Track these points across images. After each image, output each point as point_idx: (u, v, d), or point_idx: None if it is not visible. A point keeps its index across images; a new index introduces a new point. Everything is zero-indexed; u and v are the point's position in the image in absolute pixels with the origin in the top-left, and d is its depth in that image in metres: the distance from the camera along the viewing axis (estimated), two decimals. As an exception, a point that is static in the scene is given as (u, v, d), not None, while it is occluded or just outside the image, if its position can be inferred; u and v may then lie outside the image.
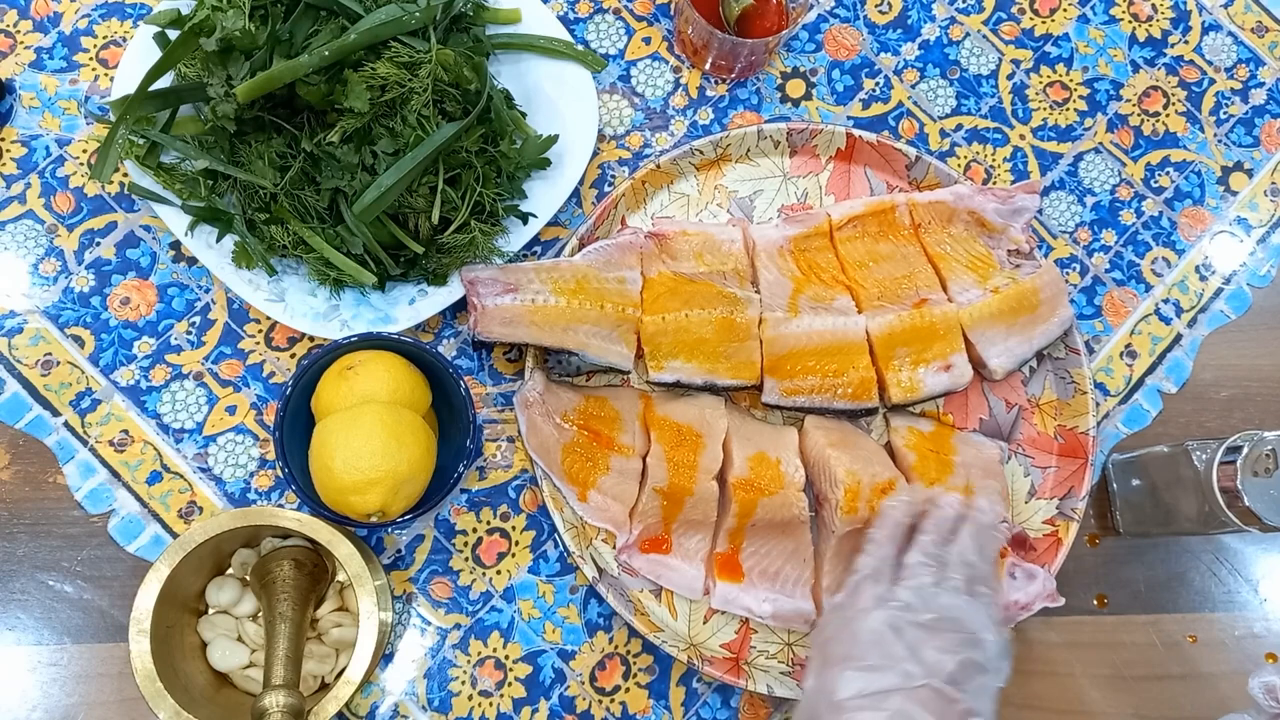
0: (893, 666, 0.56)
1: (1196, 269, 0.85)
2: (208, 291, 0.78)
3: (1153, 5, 0.90)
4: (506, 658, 0.74)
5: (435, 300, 0.74)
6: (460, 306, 0.76)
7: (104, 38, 0.81)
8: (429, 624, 0.74)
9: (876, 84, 0.86)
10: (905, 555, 0.63)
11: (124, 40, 0.81)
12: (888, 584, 0.61)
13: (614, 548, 0.75)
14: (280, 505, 0.75)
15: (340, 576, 0.72)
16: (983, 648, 0.58)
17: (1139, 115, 0.87)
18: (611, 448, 0.74)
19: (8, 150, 0.79)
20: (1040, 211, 0.84)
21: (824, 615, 0.69)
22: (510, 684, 0.74)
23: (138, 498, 0.74)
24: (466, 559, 0.75)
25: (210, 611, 0.71)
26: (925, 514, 0.66)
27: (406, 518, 0.66)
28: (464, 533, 0.76)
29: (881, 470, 0.72)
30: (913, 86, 0.86)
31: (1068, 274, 0.84)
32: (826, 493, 0.72)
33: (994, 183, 0.85)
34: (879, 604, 0.59)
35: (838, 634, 0.60)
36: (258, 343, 0.77)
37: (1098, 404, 0.79)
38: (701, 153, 0.80)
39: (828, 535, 0.73)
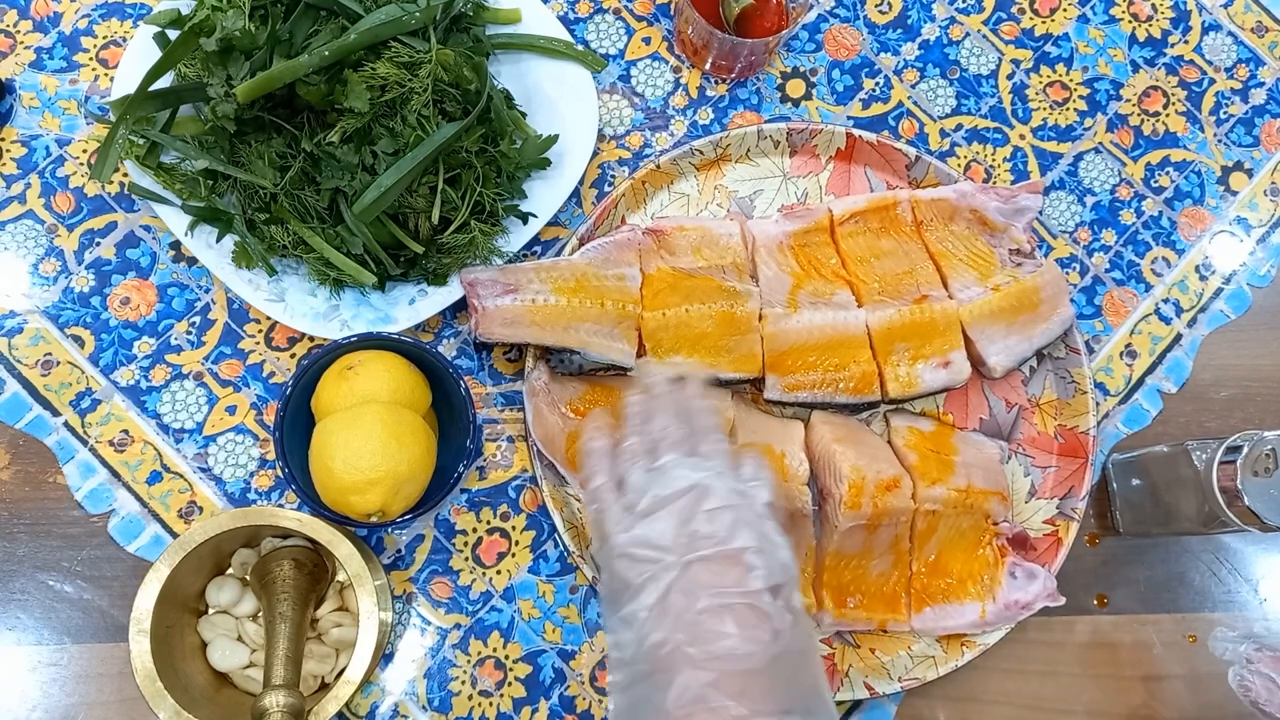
0: (653, 572, 0.54)
1: (1196, 269, 0.85)
2: (208, 291, 0.78)
3: (1153, 5, 0.90)
4: (506, 657, 0.74)
5: (435, 300, 0.74)
6: (460, 306, 0.76)
7: (104, 38, 0.81)
8: (429, 624, 0.74)
9: (876, 84, 0.86)
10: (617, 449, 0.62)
11: (124, 40, 0.81)
12: (614, 494, 0.59)
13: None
14: (280, 505, 0.75)
15: (340, 576, 0.72)
16: (710, 491, 0.56)
17: (1139, 115, 0.88)
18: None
19: (8, 150, 0.79)
20: (1040, 211, 0.84)
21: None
22: (510, 684, 0.74)
23: (138, 498, 0.74)
24: (466, 559, 0.75)
25: (210, 611, 0.71)
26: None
27: (406, 518, 0.66)
28: (464, 533, 0.76)
29: (886, 467, 0.72)
30: (913, 86, 0.86)
31: (1068, 273, 0.84)
32: (830, 487, 0.72)
33: (994, 183, 0.85)
34: (616, 529, 0.57)
35: (602, 564, 0.58)
36: (258, 343, 0.77)
37: (1098, 404, 0.79)
38: (701, 153, 0.80)
39: (830, 530, 0.73)
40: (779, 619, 0.53)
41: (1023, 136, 0.86)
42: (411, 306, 0.74)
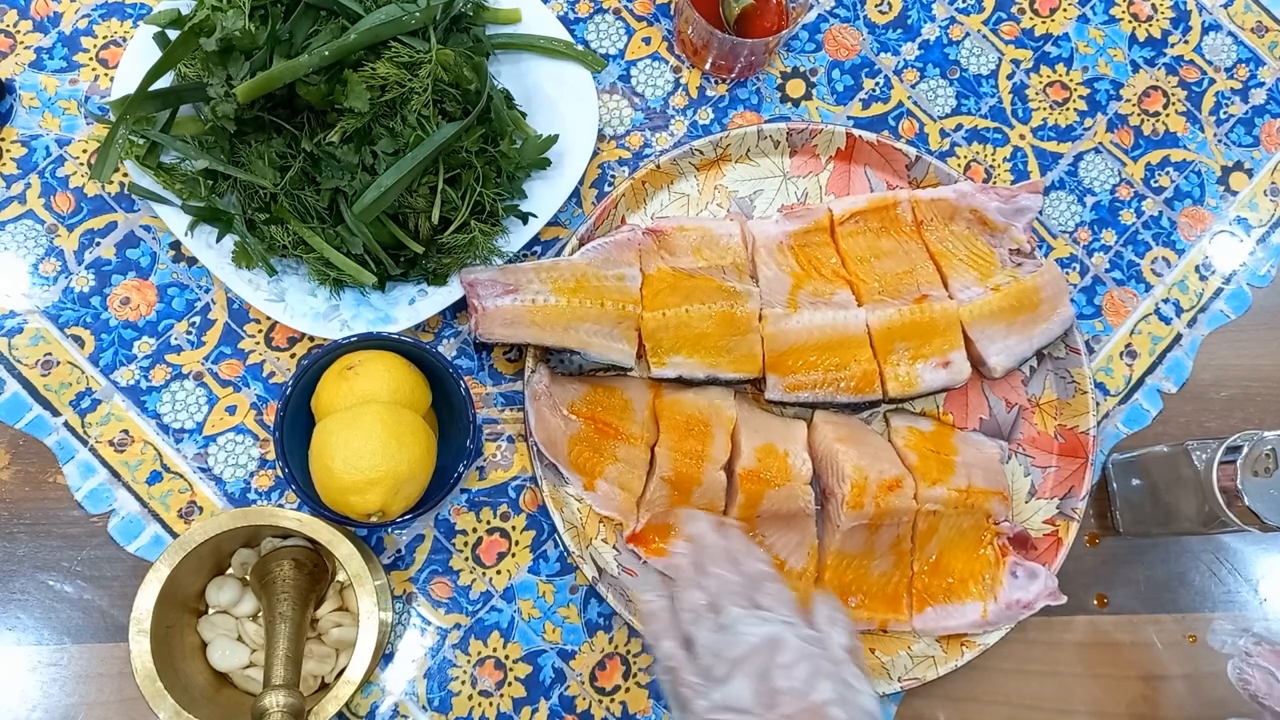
0: None
1: (1196, 269, 0.85)
2: (208, 291, 0.78)
3: (1153, 5, 0.90)
4: (506, 657, 0.74)
5: (435, 300, 0.74)
6: (460, 306, 0.76)
7: (104, 38, 0.81)
8: (429, 624, 0.74)
9: (876, 84, 0.86)
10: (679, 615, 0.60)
11: (124, 40, 0.81)
12: (684, 649, 0.58)
13: (614, 546, 0.75)
14: (280, 505, 0.75)
15: (340, 576, 0.72)
16: (784, 647, 0.55)
17: (1139, 115, 0.88)
18: (619, 437, 0.74)
19: (8, 150, 0.79)
20: (1040, 211, 0.84)
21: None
22: (510, 684, 0.74)
23: (138, 498, 0.74)
24: (466, 559, 0.75)
25: (210, 611, 0.71)
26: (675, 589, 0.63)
27: (406, 518, 0.66)
28: (464, 533, 0.76)
29: (889, 467, 0.72)
30: (913, 86, 0.86)
31: (1068, 273, 0.84)
32: (833, 487, 0.72)
33: (994, 183, 0.85)
34: (685, 689, 0.56)
35: None
36: (258, 343, 0.77)
37: (1098, 404, 0.79)
38: (701, 153, 0.80)
39: (832, 530, 0.73)
40: None
41: (1023, 136, 0.86)
42: (411, 306, 0.74)
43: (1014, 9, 0.89)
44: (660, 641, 0.59)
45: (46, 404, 0.75)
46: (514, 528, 0.76)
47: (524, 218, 0.76)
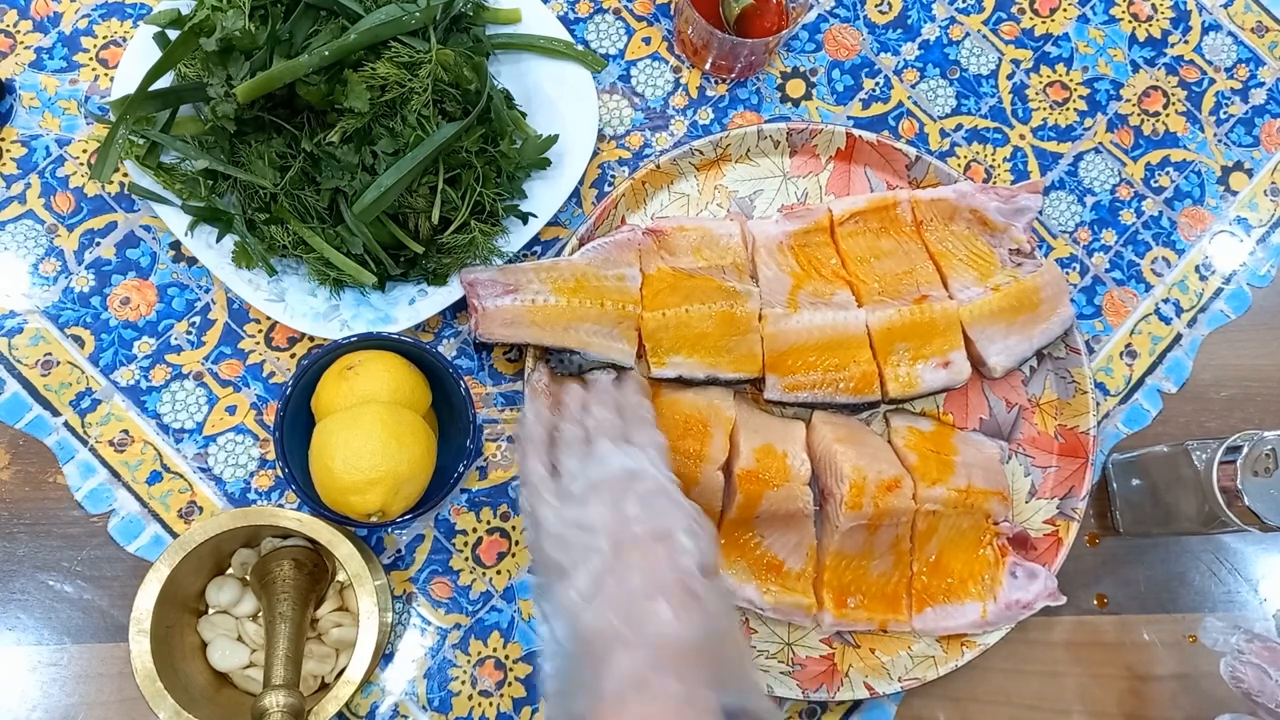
0: (586, 554, 0.54)
1: (1196, 269, 0.85)
2: (208, 291, 0.78)
3: (1153, 5, 0.90)
4: (506, 658, 0.74)
5: (435, 300, 0.74)
6: (460, 306, 0.76)
7: (104, 38, 0.81)
8: (429, 624, 0.74)
9: (876, 84, 0.86)
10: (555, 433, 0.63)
11: (124, 40, 0.81)
12: (549, 475, 0.60)
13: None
14: (280, 505, 0.75)
15: (340, 576, 0.72)
16: (642, 475, 0.57)
17: (1139, 115, 0.88)
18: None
19: (8, 150, 0.79)
20: (1040, 211, 0.84)
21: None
22: (510, 684, 0.74)
23: (138, 498, 0.74)
24: (466, 559, 0.75)
25: (210, 611, 0.71)
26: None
27: (406, 518, 0.66)
28: (464, 533, 0.76)
29: (887, 468, 0.72)
30: (913, 86, 0.86)
31: (1068, 273, 0.84)
32: (831, 488, 0.72)
33: (994, 183, 0.85)
34: (546, 509, 0.58)
35: (537, 567, 0.58)
36: (258, 343, 0.77)
37: (1098, 404, 0.79)
38: (701, 153, 0.80)
39: (831, 530, 0.73)
40: (710, 599, 0.53)
41: (1023, 136, 0.86)
42: (411, 306, 0.74)
43: (1014, 9, 0.89)
44: (528, 460, 0.61)
45: (46, 404, 0.75)
46: (514, 528, 0.76)
47: (524, 218, 0.76)
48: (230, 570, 0.72)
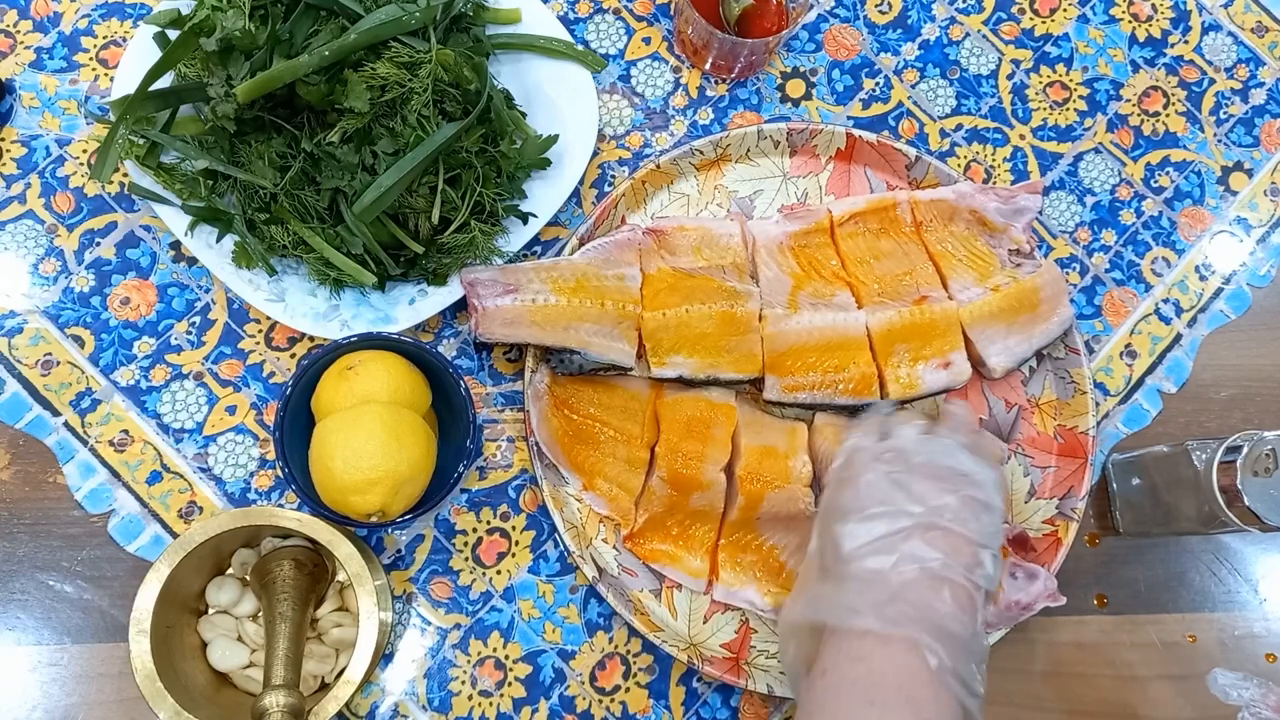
0: (896, 512, 0.55)
1: (1196, 269, 0.85)
2: (208, 291, 0.78)
3: (1153, 5, 0.90)
4: (506, 658, 0.74)
5: (435, 300, 0.74)
6: (460, 306, 0.76)
7: (104, 38, 0.81)
8: (429, 624, 0.74)
9: (876, 84, 0.86)
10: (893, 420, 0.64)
11: (124, 40, 0.81)
12: (877, 439, 0.61)
13: (614, 546, 0.75)
14: (280, 505, 0.75)
15: (340, 576, 0.72)
16: (980, 485, 0.57)
17: (1139, 115, 0.88)
18: (619, 437, 0.74)
19: (8, 150, 0.79)
20: (1040, 211, 0.84)
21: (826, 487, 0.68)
22: (510, 684, 0.74)
23: (138, 498, 0.74)
24: (466, 559, 0.75)
25: (210, 611, 0.71)
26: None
27: (406, 518, 0.66)
28: (464, 533, 0.76)
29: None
30: (913, 86, 0.86)
31: (1068, 274, 0.84)
32: (831, 490, 0.72)
33: (994, 183, 0.85)
34: (874, 459, 0.59)
35: (836, 495, 0.59)
36: (258, 343, 0.77)
37: (1098, 404, 0.79)
38: (701, 153, 0.80)
39: (829, 534, 0.73)
40: (982, 621, 0.54)
41: (1023, 136, 0.86)
42: (411, 306, 0.74)
43: (1014, 9, 0.89)
44: (870, 421, 0.65)
45: (46, 404, 0.75)
46: (514, 528, 0.76)
47: (524, 218, 0.76)
48: (230, 570, 0.72)
